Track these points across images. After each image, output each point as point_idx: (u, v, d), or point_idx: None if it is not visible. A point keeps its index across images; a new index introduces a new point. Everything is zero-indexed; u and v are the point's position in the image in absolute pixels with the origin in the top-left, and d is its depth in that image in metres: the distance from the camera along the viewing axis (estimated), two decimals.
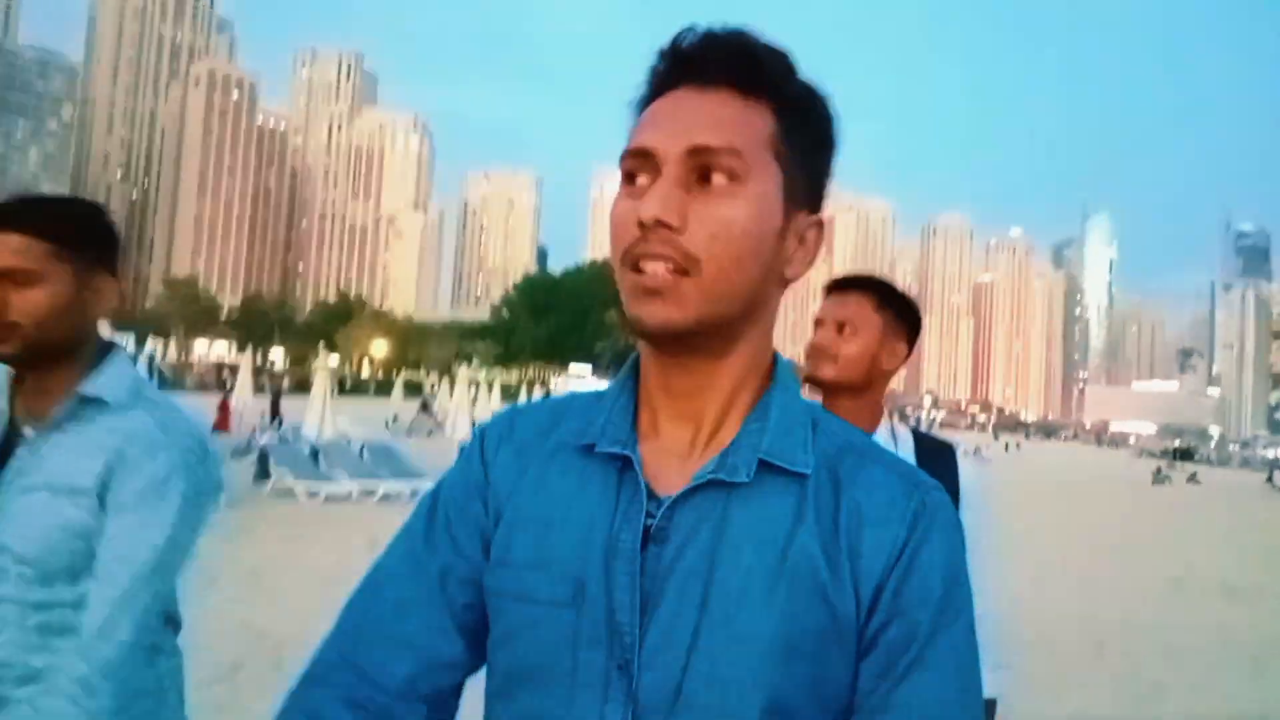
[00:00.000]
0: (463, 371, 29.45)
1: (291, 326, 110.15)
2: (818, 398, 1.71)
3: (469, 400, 24.89)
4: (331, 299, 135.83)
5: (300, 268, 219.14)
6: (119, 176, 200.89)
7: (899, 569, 0.70)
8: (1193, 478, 35.88)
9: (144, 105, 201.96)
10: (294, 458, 12.33)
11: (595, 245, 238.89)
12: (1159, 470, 36.07)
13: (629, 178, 0.73)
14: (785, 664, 0.68)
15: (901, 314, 1.75)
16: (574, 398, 0.85)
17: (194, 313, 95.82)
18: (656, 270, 0.69)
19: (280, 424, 18.96)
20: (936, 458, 1.73)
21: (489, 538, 0.78)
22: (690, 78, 0.73)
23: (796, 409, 0.77)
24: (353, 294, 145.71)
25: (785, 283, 0.77)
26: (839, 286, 1.77)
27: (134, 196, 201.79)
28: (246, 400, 22.71)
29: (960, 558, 0.73)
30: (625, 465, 0.75)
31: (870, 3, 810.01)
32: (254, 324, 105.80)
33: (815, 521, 0.71)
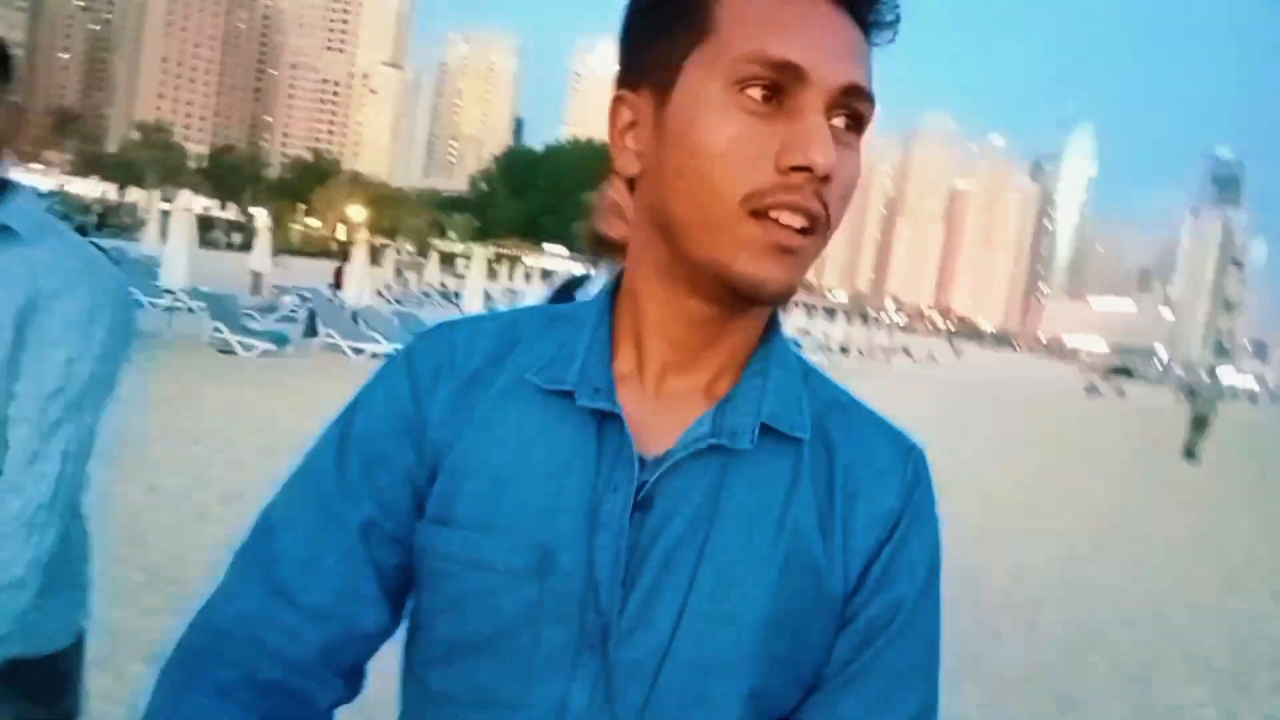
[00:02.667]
0: (442, 247, 29.54)
1: (263, 182, 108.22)
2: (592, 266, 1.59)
3: (483, 275, 23.88)
4: (299, 154, 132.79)
5: (269, 119, 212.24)
6: (79, 5, 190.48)
7: (891, 545, 0.66)
8: (1121, 393, 38.73)
9: None
10: (338, 319, 13.91)
11: (574, 121, 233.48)
12: (1091, 385, 38.87)
13: (743, 85, 0.58)
14: (771, 644, 0.63)
15: None
16: (522, 315, 0.73)
17: (166, 161, 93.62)
18: (795, 225, 0.59)
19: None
20: None
21: (422, 489, 0.67)
22: None
23: (791, 362, 0.70)
24: (324, 152, 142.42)
25: None
26: None
27: (96, 29, 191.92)
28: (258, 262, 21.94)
29: (938, 524, 0.70)
30: (606, 417, 0.65)
31: None
32: (225, 177, 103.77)
33: (811, 491, 0.66)
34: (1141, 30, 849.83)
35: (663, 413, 0.66)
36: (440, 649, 0.66)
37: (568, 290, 1.85)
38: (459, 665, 0.65)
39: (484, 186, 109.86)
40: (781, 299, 0.62)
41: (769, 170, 0.58)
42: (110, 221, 46.20)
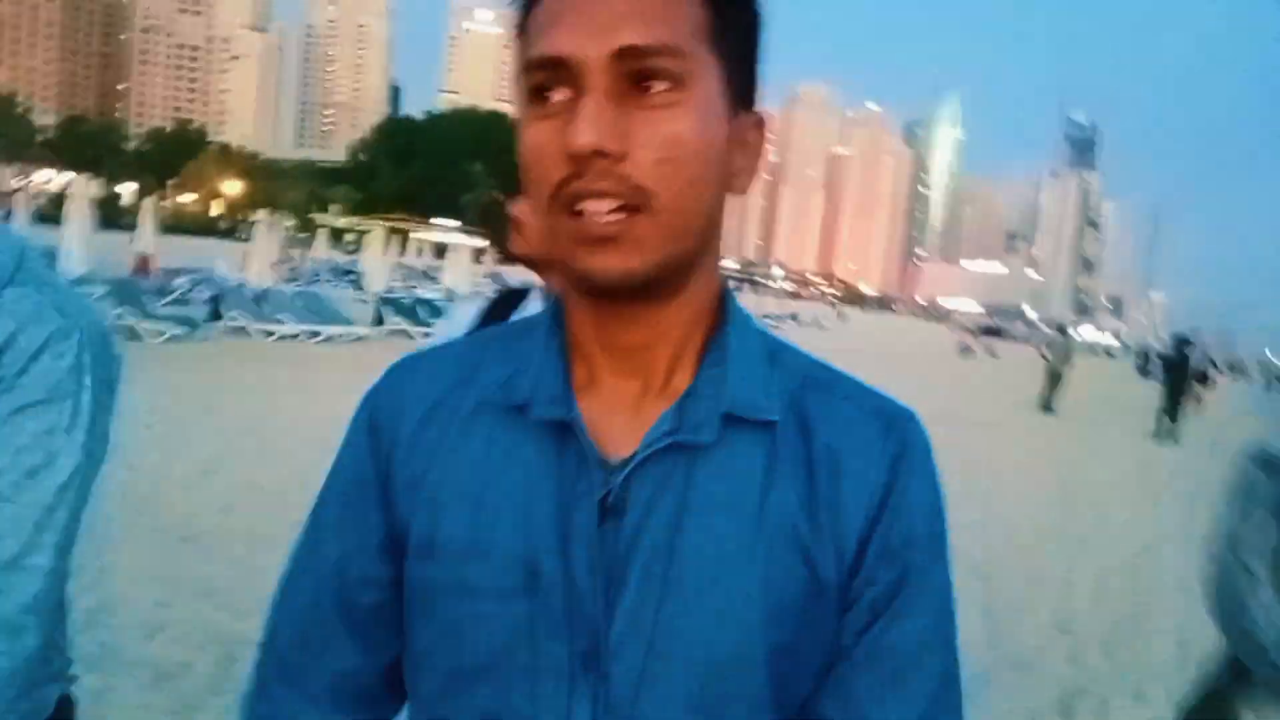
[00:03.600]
0: (324, 220, 28.94)
1: (120, 154, 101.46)
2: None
3: (380, 251, 23.60)
4: (157, 124, 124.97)
5: (120, 88, 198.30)
6: None
7: (884, 521, 0.64)
8: (993, 353, 41.32)
9: None
10: (241, 301, 13.66)
11: (453, 85, 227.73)
12: (965, 346, 41.31)
13: (537, 93, 0.59)
14: (771, 637, 0.61)
15: None
16: (485, 337, 0.73)
17: (12, 134, 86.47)
18: (601, 211, 0.57)
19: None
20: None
21: (398, 535, 0.67)
22: None
23: (753, 344, 0.68)
24: (183, 120, 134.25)
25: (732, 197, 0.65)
26: None
27: None
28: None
29: (938, 491, 0.67)
30: (566, 427, 0.64)
31: None
32: (78, 148, 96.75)
33: (790, 474, 0.64)
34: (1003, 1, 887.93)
35: (625, 418, 0.65)
36: (441, 679, 0.66)
37: (505, 303, 1.79)
38: (463, 693, 0.64)
39: (363, 157, 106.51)
40: (626, 285, 0.59)
41: (561, 164, 0.57)
42: None
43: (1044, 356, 18.64)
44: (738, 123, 0.63)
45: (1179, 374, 15.77)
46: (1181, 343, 16.80)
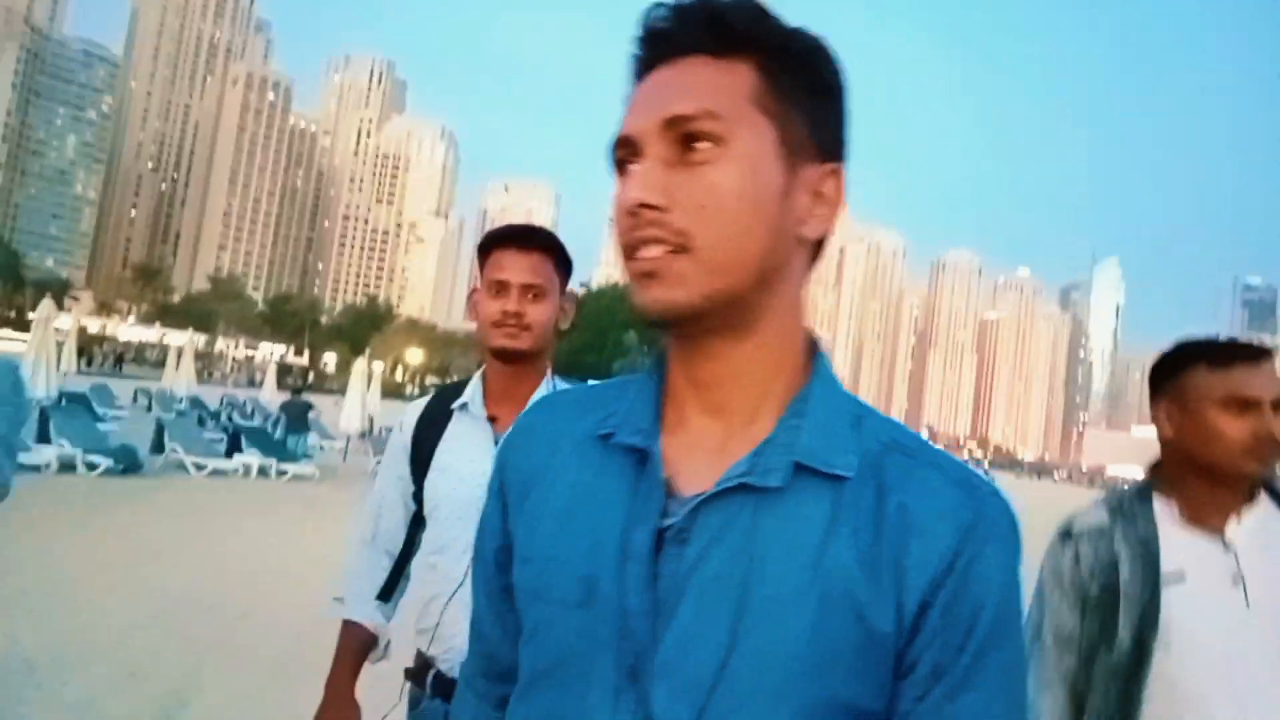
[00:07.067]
0: None
1: (318, 327, 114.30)
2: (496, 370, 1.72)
3: None
4: (350, 299, 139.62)
5: (320, 266, 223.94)
6: (150, 167, 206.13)
7: (949, 586, 0.63)
8: None
9: (179, 100, 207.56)
10: None
11: (608, 261, 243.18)
12: None
13: (619, 167, 0.70)
14: (814, 686, 0.63)
15: (569, 268, 1.76)
16: (607, 385, 0.80)
17: (236, 311, 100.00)
18: (649, 253, 0.66)
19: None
20: None
21: (509, 542, 0.78)
22: (664, 55, 0.69)
23: (839, 403, 0.71)
24: (372, 296, 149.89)
25: (808, 244, 0.70)
26: (515, 243, 1.70)
27: (163, 187, 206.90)
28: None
29: (1016, 571, 0.67)
30: (643, 458, 0.70)
31: (889, 39, 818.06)
32: (283, 322, 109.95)
33: (852, 530, 0.65)
34: (1161, 157, 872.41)
35: (706, 457, 0.69)
36: (526, 678, 0.73)
37: (446, 398, 1.81)
38: (536, 694, 0.71)
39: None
40: (668, 316, 0.67)
41: (625, 221, 0.67)
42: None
43: None
44: (805, 173, 0.69)
45: None
46: None
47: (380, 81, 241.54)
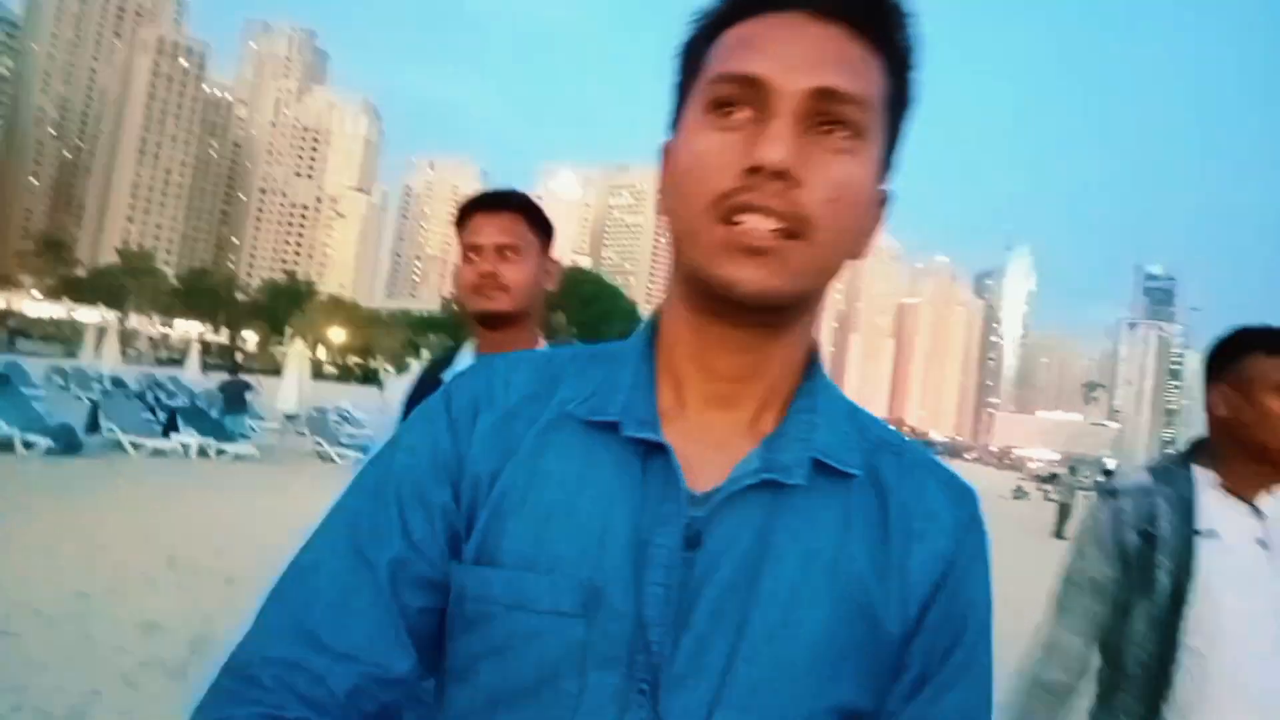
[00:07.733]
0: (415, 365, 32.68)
1: (235, 303, 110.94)
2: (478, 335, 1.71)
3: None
4: (268, 275, 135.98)
5: (235, 241, 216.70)
6: (52, 134, 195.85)
7: (946, 589, 0.64)
8: (1047, 495, 42.15)
9: (83, 63, 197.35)
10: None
11: None
12: (1019, 488, 42.57)
13: (717, 106, 0.61)
14: (825, 690, 0.61)
15: (547, 229, 1.74)
16: (563, 354, 0.71)
17: (149, 286, 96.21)
18: (762, 225, 0.58)
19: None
20: None
21: (458, 531, 0.64)
22: (804, 2, 0.61)
23: (838, 400, 0.69)
24: (291, 272, 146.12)
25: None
26: (485, 206, 1.70)
27: (66, 155, 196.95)
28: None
29: (989, 568, 0.68)
30: (651, 451, 0.64)
31: None
32: (199, 298, 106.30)
33: (864, 530, 0.64)
34: (1075, 151, 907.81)
35: (708, 449, 0.65)
36: (482, 697, 0.62)
37: (437, 367, 1.81)
38: (502, 714, 0.61)
39: (456, 307, 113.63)
40: (762, 303, 0.60)
41: (733, 176, 0.58)
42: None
43: (1056, 492, 22.08)
44: (879, 190, 0.65)
45: None
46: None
47: (300, 51, 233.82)
